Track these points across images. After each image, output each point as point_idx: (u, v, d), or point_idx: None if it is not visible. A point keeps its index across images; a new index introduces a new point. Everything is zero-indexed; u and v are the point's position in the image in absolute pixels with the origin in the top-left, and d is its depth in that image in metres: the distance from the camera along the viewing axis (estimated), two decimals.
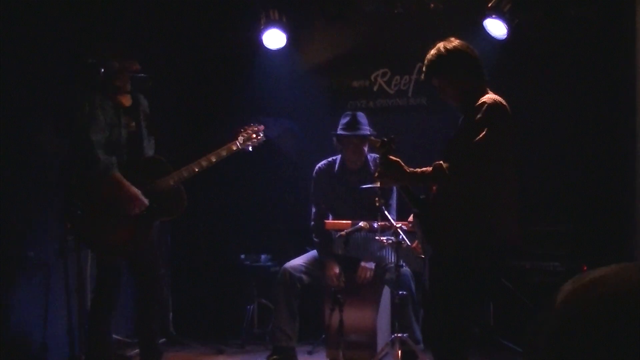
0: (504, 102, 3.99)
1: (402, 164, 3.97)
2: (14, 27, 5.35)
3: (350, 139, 5.87)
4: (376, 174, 4.10)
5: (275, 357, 5.73)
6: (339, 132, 5.90)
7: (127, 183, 4.90)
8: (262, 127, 5.53)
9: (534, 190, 6.49)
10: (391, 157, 3.98)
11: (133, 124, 5.13)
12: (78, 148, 4.86)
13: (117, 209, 4.90)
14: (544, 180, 6.55)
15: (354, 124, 5.85)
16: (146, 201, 4.97)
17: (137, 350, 5.77)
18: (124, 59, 5.09)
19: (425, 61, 4.17)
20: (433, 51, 4.12)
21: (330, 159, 6.12)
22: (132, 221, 4.95)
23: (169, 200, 5.10)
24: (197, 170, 5.15)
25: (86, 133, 4.81)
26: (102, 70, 4.95)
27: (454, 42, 4.13)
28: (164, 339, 6.32)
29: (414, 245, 4.99)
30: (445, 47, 4.09)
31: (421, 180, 4.01)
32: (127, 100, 5.17)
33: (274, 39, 6.83)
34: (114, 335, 6.18)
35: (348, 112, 6.00)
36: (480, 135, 3.82)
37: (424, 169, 3.93)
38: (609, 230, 6.19)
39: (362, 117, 5.92)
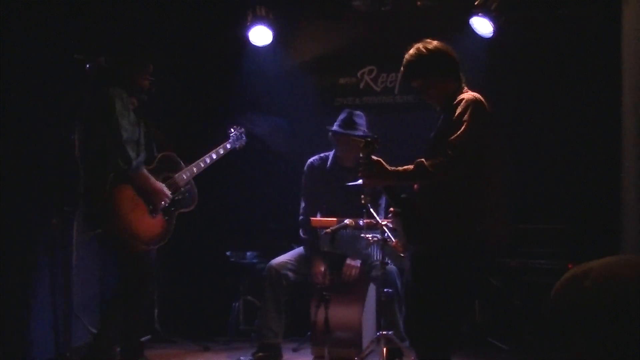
0: (482, 99, 3.97)
1: (384, 163, 3.97)
2: (13, 25, 5.34)
3: (341, 136, 5.86)
4: (359, 174, 4.10)
5: (260, 354, 5.72)
6: (333, 128, 5.90)
7: (153, 178, 5.12)
8: (243, 130, 6.01)
9: (524, 189, 6.52)
10: (373, 157, 3.98)
11: (142, 123, 5.28)
12: (112, 146, 4.93)
13: (146, 203, 5.08)
14: (534, 179, 6.57)
15: (348, 123, 5.84)
16: (170, 194, 5.21)
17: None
18: (148, 61, 5.31)
19: (405, 62, 4.12)
20: (412, 51, 4.09)
21: (322, 155, 6.12)
22: (160, 214, 5.18)
23: (185, 194, 5.39)
24: (202, 166, 5.53)
25: (120, 131, 4.94)
26: (88, 66, 4.95)
27: (433, 42, 4.10)
28: (149, 336, 6.31)
29: (394, 243, 5.01)
30: (425, 47, 4.06)
31: (404, 179, 4.01)
32: (136, 101, 5.31)
33: (261, 35, 6.83)
34: None
35: (347, 110, 5.98)
36: (460, 132, 3.82)
37: (406, 167, 3.93)
38: (597, 229, 6.20)
39: (359, 117, 5.89)
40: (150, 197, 5.09)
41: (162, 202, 5.16)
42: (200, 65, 7.33)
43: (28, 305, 5.42)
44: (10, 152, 5.42)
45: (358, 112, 5.95)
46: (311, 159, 6.15)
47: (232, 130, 5.94)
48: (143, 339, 5.86)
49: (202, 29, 7.08)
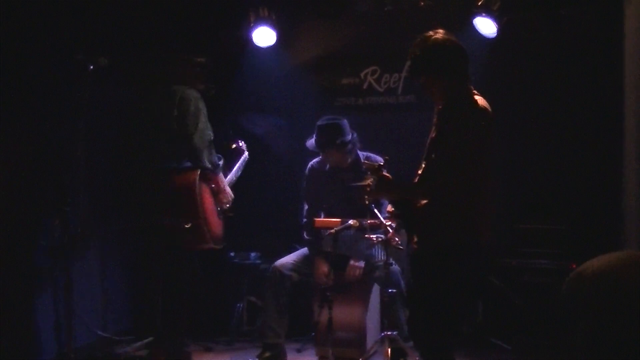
0: (487, 106, 3.92)
1: (392, 179, 3.99)
2: (17, 25, 5.35)
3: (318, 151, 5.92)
4: (368, 189, 4.13)
5: (267, 354, 5.70)
6: (306, 143, 5.93)
7: (225, 181, 5.48)
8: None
9: (524, 189, 6.51)
10: (384, 174, 4.00)
11: None
12: (201, 145, 5.14)
13: (215, 204, 5.44)
14: (534, 179, 6.57)
15: (319, 139, 5.81)
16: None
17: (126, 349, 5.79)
18: (202, 65, 5.56)
19: (412, 56, 4.03)
20: (419, 45, 4.00)
21: (322, 157, 6.10)
22: (221, 214, 5.53)
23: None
24: (238, 174, 5.92)
25: (209, 132, 5.20)
26: (91, 67, 4.96)
27: (438, 35, 4.00)
28: (151, 337, 6.30)
29: (390, 235, 5.01)
30: (432, 42, 3.97)
31: (407, 194, 4.01)
32: None
33: (264, 36, 6.82)
34: (102, 333, 6.19)
35: (320, 122, 5.84)
36: (461, 149, 3.78)
37: (410, 184, 3.95)
38: (598, 228, 6.20)
39: (329, 129, 5.78)
40: (219, 198, 5.43)
41: (227, 205, 5.50)
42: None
43: (30, 305, 5.42)
44: (12, 153, 5.42)
45: (327, 124, 5.81)
46: (311, 162, 6.14)
47: (241, 142, 6.09)
48: (145, 340, 5.89)
49: (205, 29, 7.07)
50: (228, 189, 5.53)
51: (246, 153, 6.08)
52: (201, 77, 5.49)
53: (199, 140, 5.10)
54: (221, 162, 5.40)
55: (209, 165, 5.20)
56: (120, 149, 5.83)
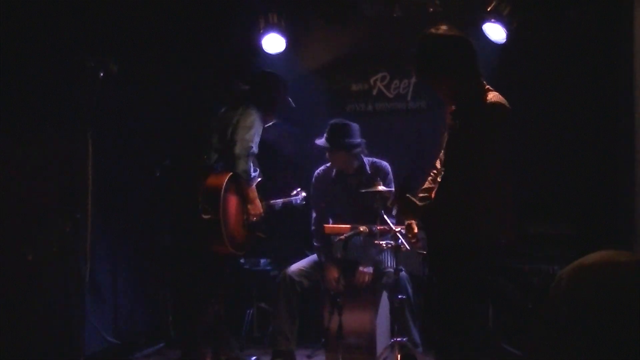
0: (501, 101, 3.80)
1: (416, 201, 3.95)
2: (27, 29, 5.37)
3: (329, 150, 5.91)
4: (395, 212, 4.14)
5: None
6: (316, 140, 5.93)
7: (257, 195, 5.62)
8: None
9: (533, 193, 6.49)
10: (408, 196, 3.91)
11: None
12: (240, 154, 5.38)
13: (242, 213, 5.57)
14: (543, 183, 6.55)
15: (330, 137, 5.84)
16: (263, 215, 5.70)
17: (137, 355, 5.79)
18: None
19: (415, 56, 3.90)
20: (420, 43, 3.88)
21: (328, 164, 6.11)
22: (247, 229, 5.62)
23: (264, 220, 5.78)
24: (280, 205, 6.06)
25: (251, 145, 5.40)
26: (102, 74, 4.98)
27: (442, 31, 3.88)
28: (163, 343, 6.32)
29: (414, 241, 5.01)
30: (434, 38, 3.86)
31: (428, 212, 3.95)
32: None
33: (274, 43, 6.83)
34: (113, 339, 6.20)
35: (333, 121, 5.93)
36: (461, 144, 3.76)
37: (427, 203, 3.93)
38: (608, 233, 6.18)
39: (340, 129, 5.83)
40: (248, 208, 5.54)
41: (255, 218, 5.58)
42: (210, 72, 7.32)
43: (41, 312, 5.43)
44: (22, 159, 5.44)
45: (341, 124, 5.88)
46: (317, 170, 6.17)
47: (300, 189, 6.24)
48: (157, 346, 5.91)
49: (214, 36, 7.09)
50: (258, 203, 5.61)
51: (302, 197, 6.21)
52: (278, 100, 5.86)
53: (239, 148, 5.35)
54: (256, 174, 5.51)
55: (242, 174, 5.38)
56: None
